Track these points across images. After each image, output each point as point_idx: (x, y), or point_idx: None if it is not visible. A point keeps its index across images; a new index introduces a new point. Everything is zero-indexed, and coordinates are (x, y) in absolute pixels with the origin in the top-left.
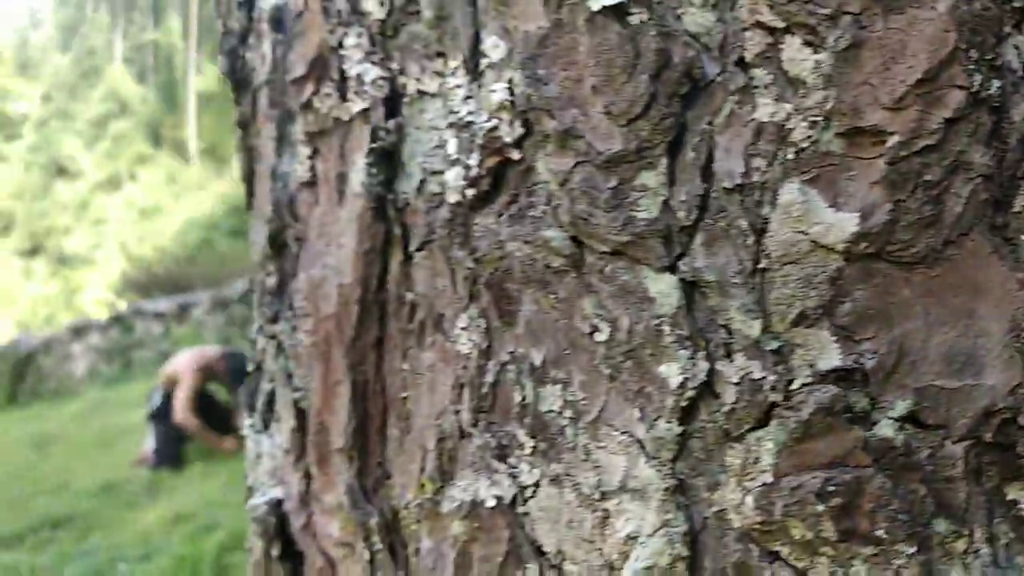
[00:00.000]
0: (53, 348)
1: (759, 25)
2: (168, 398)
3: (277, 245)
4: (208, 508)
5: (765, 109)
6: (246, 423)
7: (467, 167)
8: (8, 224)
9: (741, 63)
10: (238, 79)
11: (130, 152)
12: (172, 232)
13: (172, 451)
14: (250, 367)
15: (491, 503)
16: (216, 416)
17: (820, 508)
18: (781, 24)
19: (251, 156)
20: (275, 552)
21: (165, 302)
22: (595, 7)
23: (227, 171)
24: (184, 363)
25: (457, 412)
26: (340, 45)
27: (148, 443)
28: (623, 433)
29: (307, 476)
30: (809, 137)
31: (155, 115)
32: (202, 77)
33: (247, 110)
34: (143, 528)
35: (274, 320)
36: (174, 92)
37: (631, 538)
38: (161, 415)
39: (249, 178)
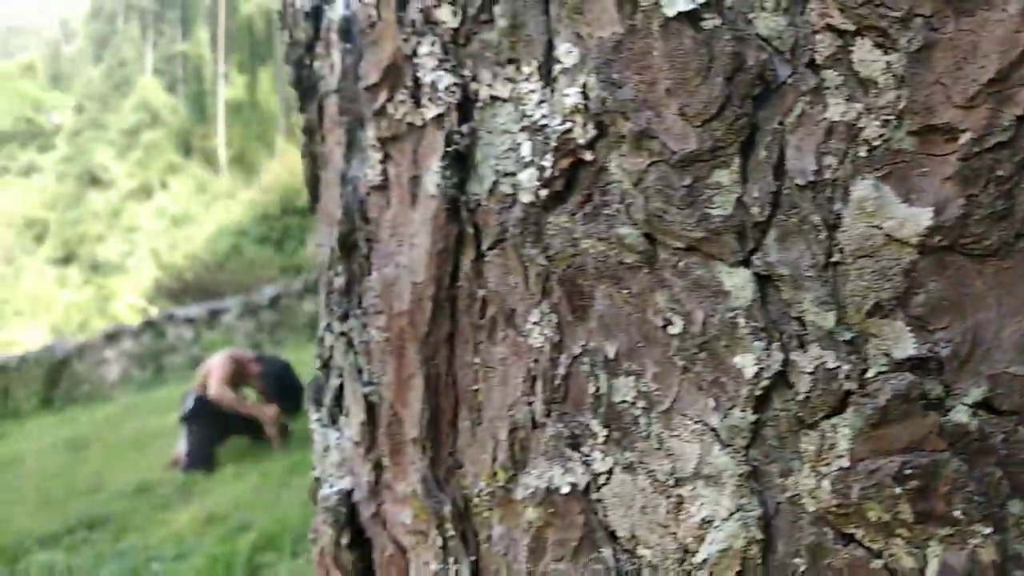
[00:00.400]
0: (87, 353)
1: (829, 28)
2: (200, 400)
3: (347, 246)
4: (240, 509)
5: (836, 109)
6: (313, 418)
7: (541, 168)
8: (42, 233)
9: (812, 65)
10: (304, 88)
11: (161, 161)
12: (202, 240)
13: (204, 454)
14: (317, 364)
15: (566, 489)
16: (247, 420)
17: (897, 491)
18: (852, 27)
19: (316, 162)
20: (345, 540)
21: (196, 308)
22: (670, 13)
23: (255, 180)
24: (215, 359)
25: (529, 403)
26: (414, 53)
27: (180, 446)
28: (697, 422)
29: (377, 467)
30: (881, 135)
31: (185, 125)
32: (230, 88)
33: (313, 118)
34: (176, 529)
35: (344, 318)
36: (203, 103)
37: (706, 522)
38: (193, 418)
39: (313, 183)
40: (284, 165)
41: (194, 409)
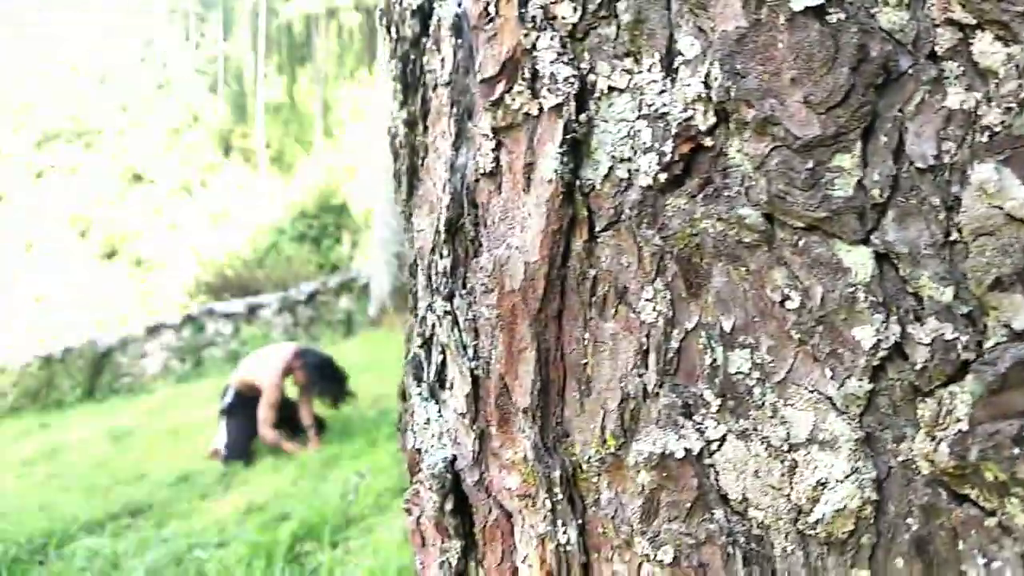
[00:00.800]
0: (129, 347)
1: (950, 22)
2: (240, 396)
3: (453, 231)
4: (278, 499)
5: (955, 98)
6: (414, 392)
7: (661, 154)
8: (87, 229)
9: (933, 56)
10: (407, 82)
11: (202, 160)
12: (241, 237)
13: (243, 445)
14: (417, 342)
15: (680, 454)
16: (285, 413)
17: (1016, 451)
18: (972, 21)
19: (415, 153)
20: (449, 506)
21: (235, 303)
22: (797, 8)
23: (293, 179)
24: (267, 374)
25: (640, 375)
26: (533, 47)
27: (220, 437)
28: (812, 391)
29: (481, 436)
30: (1003, 122)
31: (225, 125)
32: (270, 88)
33: (415, 110)
34: (217, 517)
35: (449, 298)
36: (243, 103)
37: (820, 484)
38: (232, 411)
39: (411, 174)
40: (321, 165)
41: (233, 402)
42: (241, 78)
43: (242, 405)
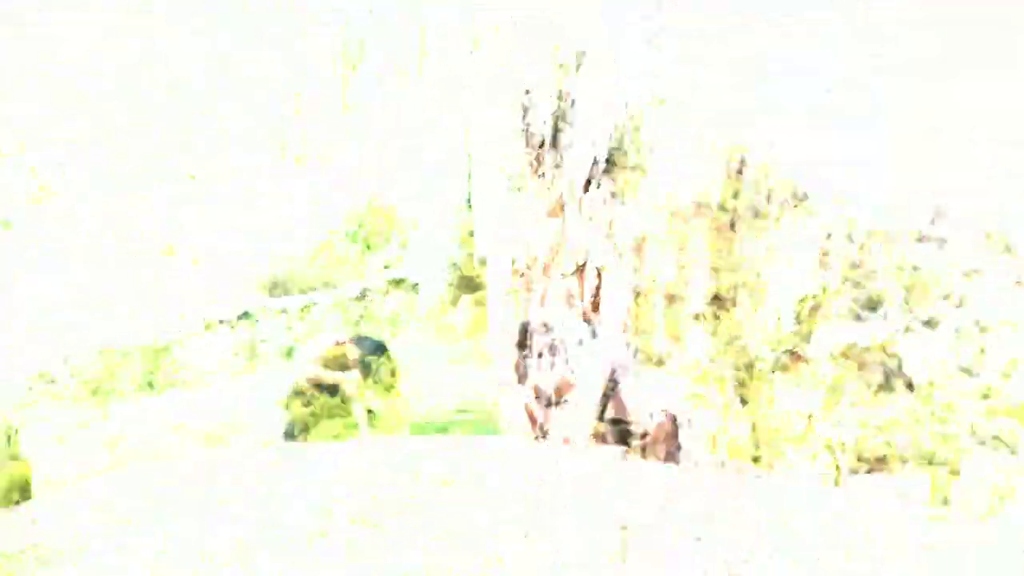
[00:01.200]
0: (186, 341)
1: None
2: (297, 384)
3: (612, 162)
4: (335, 486)
5: None
6: (566, 316)
7: None
8: (141, 226)
9: None
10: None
11: (253, 160)
12: (294, 236)
13: (298, 435)
14: (571, 268)
15: (865, 342)
16: (332, 399)
17: None
18: None
19: (560, 98)
20: (609, 415)
21: (288, 300)
22: None
23: (344, 179)
24: (318, 349)
25: (822, 277)
26: None
27: (278, 426)
28: (1004, 278)
29: (640, 348)
30: None
31: (277, 124)
32: (322, 88)
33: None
34: (275, 503)
35: (609, 224)
36: (296, 103)
37: (1011, 363)
38: (290, 400)
39: (556, 119)
40: (372, 165)
41: (292, 392)
42: (294, 78)
43: (299, 393)
